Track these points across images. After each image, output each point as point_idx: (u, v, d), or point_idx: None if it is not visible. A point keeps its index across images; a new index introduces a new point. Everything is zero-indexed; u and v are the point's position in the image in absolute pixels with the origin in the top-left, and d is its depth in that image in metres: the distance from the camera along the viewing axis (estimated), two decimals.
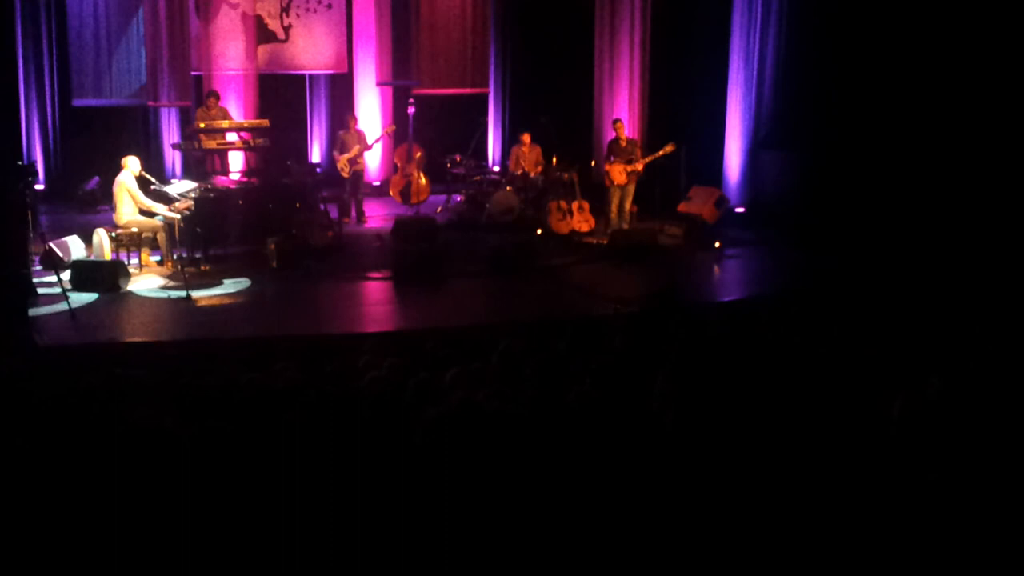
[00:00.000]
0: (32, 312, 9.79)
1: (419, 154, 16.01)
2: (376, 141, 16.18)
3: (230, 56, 16.58)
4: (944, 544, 3.41)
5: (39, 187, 15.25)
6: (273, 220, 12.88)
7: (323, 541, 3.46)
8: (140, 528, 3.37)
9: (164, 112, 17.20)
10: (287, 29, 17.64)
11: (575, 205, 14.33)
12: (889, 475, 3.85)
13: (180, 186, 12.93)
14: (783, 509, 3.63)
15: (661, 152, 14.06)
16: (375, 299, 11.60)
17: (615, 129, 14.33)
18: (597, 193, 14.63)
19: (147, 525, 3.39)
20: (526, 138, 15.26)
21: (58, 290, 10.32)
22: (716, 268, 13.09)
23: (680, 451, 4.20)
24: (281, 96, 17.64)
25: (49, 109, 16.78)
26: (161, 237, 12.11)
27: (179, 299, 10.76)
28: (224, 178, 14.18)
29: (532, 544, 3.44)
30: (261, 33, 17.24)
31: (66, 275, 10.93)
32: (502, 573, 3.38)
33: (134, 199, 11.99)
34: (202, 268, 11.95)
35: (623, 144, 14.19)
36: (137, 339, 9.58)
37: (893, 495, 3.68)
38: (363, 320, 10.76)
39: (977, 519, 3.50)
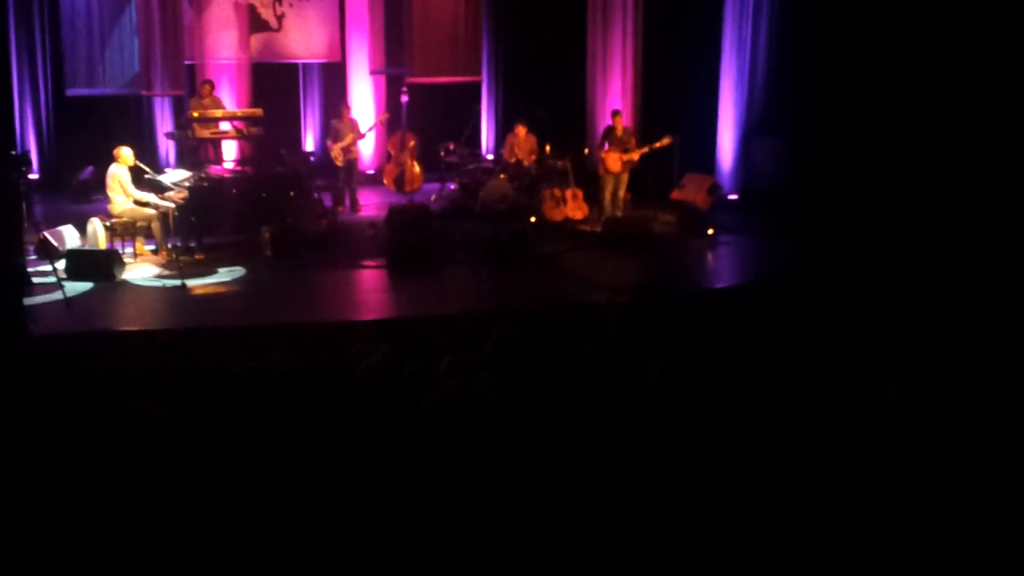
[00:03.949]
0: (27, 301, 9.79)
1: (413, 142, 16.02)
2: (370, 130, 16.20)
3: (223, 45, 16.58)
4: (937, 527, 3.44)
5: (33, 177, 15.23)
6: (267, 209, 12.89)
7: (319, 531, 3.47)
8: (136, 518, 3.38)
9: (158, 101, 17.17)
10: (280, 18, 17.62)
11: (569, 193, 14.35)
12: (884, 464, 3.87)
13: (174, 175, 12.92)
14: (779, 499, 3.65)
15: (658, 144, 14.06)
16: (369, 287, 11.63)
17: (613, 120, 14.34)
18: (591, 181, 14.65)
19: (143, 515, 3.40)
20: (521, 128, 15.20)
21: (53, 279, 10.32)
22: (709, 255, 13.12)
23: (675, 439, 4.22)
24: (274, 85, 17.62)
25: (42, 99, 16.74)
26: (156, 226, 12.11)
27: (174, 288, 10.77)
28: (218, 167, 14.19)
29: (527, 532, 3.46)
30: (254, 22, 17.22)
31: (61, 264, 10.93)
32: (498, 562, 3.40)
33: (125, 191, 11.98)
34: (196, 257, 11.96)
35: (619, 133, 14.21)
36: (132, 328, 9.60)
37: (889, 485, 3.70)
38: (358, 308, 10.78)
39: (971, 507, 3.52)
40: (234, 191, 12.84)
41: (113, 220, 12.00)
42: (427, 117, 16.84)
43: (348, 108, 16.03)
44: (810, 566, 3.39)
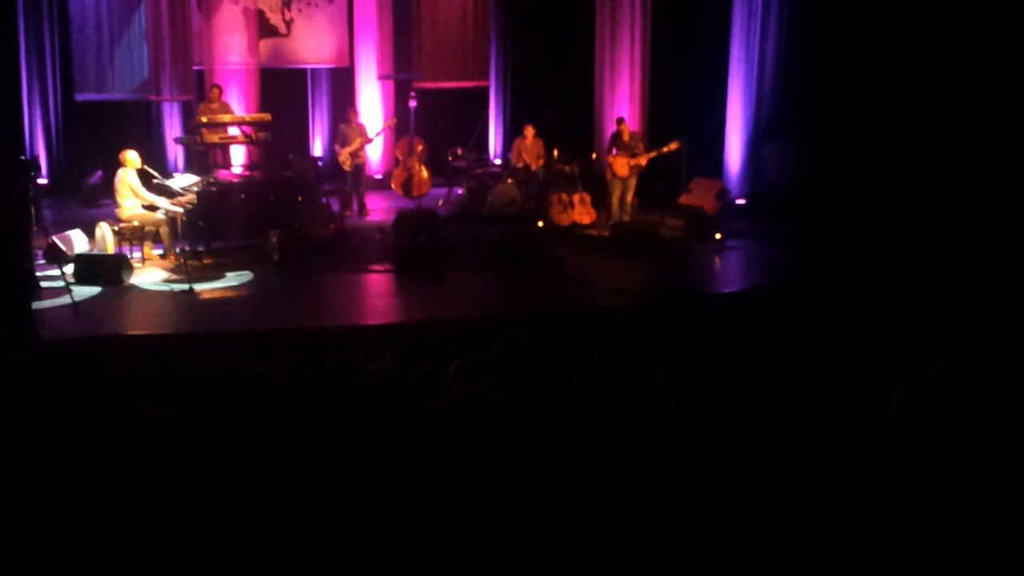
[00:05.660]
0: (35, 305, 9.82)
1: (420, 147, 16.03)
2: (377, 134, 16.23)
3: (232, 50, 16.63)
4: (943, 535, 3.43)
5: (42, 181, 15.26)
6: (275, 213, 12.90)
7: (325, 535, 3.48)
8: (142, 522, 3.38)
9: (166, 106, 17.23)
10: (288, 23, 17.67)
11: (576, 197, 14.35)
12: (891, 467, 3.86)
13: (182, 180, 12.95)
14: (786, 501, 3.64)
15: (666, 149, 14.05)
16: (377, 292, 11.63)
17: (619, 127, 14.33)
18: (598, 185, 14.65)
19: (148, 519, 3.40)
20: (529, 131, 15.24)
21: (61, 284, 10.36)
22: (717, 260, 13.11)
23: (683, 443, 4.21)
24: (283, 90, 17.66)
25: (52, 104, 16.78)
26: (164, 230, 12.14)
27: (182, 292, 10.80)
28: (226, 172, 14.22)
29: (534, 534, 3.46)
30: (263, 27, 17.27)
31: (69, 269, 10.97)
32: (504, 564, 3.40)
33: (135, 194, 12.01)
34: (204, 261, 11.98)
35: (626, 138, 14.21)
36: (140, 332, 9.62)
37: (896, 488, 3.69)
38: (365, 312, 10.79)
39: (977, 512, 3.51)
40: (242, 196, 12.86)
41: (121, 225, 12.03)
42: (435, 122, 16.87)
43: (356, 113, 16.06)
44: (816, 567, 3.39)
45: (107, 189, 13.57)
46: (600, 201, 14.48)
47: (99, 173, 15.61)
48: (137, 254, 12.08)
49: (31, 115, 16.52)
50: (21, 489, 3.66)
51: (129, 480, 3.56)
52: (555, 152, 15.00)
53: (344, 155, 15.22)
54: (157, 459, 3.68)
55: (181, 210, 12.11)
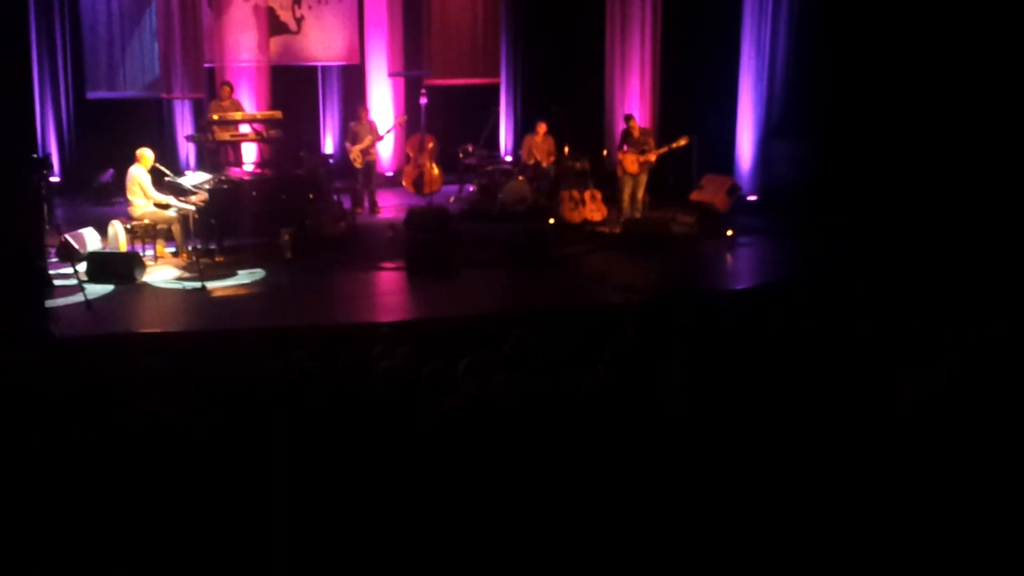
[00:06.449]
0: (48, 303, 9.84)
1: (431, 144, 16.02)
2: (388, 132, 16.22)
3: (243, 48, 16.67)
4: (950, 534, 3.43)
5: (54, 180, 15.30)
6: (286, 211, 12.92)
7: (335, 533, 3.48)
8: (149, 519, 3.39)
9: (177, 104, 17.25)
10: (299, 21, 17.67)
11: (587, 194, 14.33)
12: (899, 463, 3.85)
13: (194, 178, 12.97)
14: (793, 499, 3.64)
15: (675, 144, 14.04)
16: (388, 289, 11.64)
17: (627, 124, 14.30)
18: (609, 182, 14.63)
19: (156, 516, 3.41)
20: (541, 128, 15.22)
21: (74, 281, 10.40)
22: (728, 256, 13.09)
23: (692, 439, 4.21)
24: (294, 87, 17.68)
25: (63, 102, 16.80)
26: (176, 228, 12.16)
27: (194, 290, 10.83)
28: (238, 169, 14.25)
29: (543, 533, 3.46)
30: (273, 25, 17.29)
31: (82, 267, 11.01)
32: (513, 562, 3.40)
33: (144, 192, 12.02)
34: (216, 259, 12.00)
35: (636, 135, 14.18)
36: (152, 330, 9.65)
37: (903, 484, 3.69)
38: (376, 310, 10.80)
39: (983, 509, 3.51)
40: (254, 193, 12.86)
41: (133, 223, 12.06)
42: (446, 119, 16.86)
43: (366, 110, 16.08)
44: (826, 561, 3.39)
45: (119, 187, 13.60)
46: (611, 198, 14.46)
47: (111, 171, 15.63)
48: (149, 252, 12.12)
49: (43, 113, 16.55)
50: (27, 487, 3.68)
51: (135, 478, 3.57)
52: (566, 149, 14.98)
53: (355, 152, 15.22)
54: (163, 458, 3.69)
55: (193, 208, 12.14)
